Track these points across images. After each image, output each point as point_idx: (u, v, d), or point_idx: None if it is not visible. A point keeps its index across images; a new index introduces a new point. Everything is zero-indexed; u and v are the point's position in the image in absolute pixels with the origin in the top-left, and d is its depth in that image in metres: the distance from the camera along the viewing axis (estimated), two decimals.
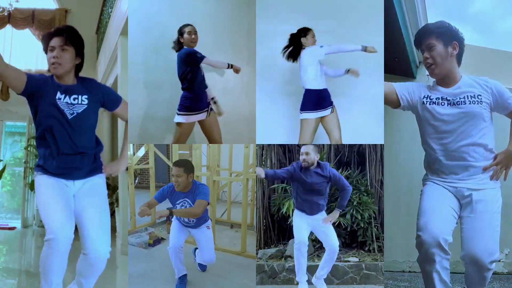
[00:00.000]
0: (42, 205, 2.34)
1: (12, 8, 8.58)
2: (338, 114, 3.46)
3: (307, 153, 3.08)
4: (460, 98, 2.38)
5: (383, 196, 3.99)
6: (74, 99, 2.40)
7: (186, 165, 3.23)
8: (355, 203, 3.81)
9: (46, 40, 2.40)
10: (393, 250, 5.20)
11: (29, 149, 8.31)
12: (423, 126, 2.50)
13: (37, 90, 2.35)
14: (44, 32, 9.24)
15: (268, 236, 3.97)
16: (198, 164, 4.29)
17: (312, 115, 3.41)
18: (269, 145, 3.99)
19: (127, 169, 2.67)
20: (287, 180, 3.26)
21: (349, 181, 3.92)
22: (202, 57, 3.36)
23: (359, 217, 3.79)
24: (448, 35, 2.39)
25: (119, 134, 5.63)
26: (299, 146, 3.93)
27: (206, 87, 3.45)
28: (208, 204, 3.23)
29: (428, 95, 2.45)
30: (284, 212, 3.78)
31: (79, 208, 2.39)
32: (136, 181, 6.56)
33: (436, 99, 2.42)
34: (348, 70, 3.43)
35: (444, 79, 2.43)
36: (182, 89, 3.38)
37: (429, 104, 2.42)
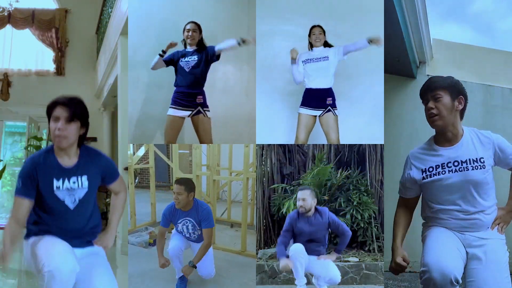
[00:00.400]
0: (34, 248, 2.18)
1: (12, 8, 8.58)
2: (338, 113, 3.45)
3: (303, 199, 3.07)
4: (461, 163, 2.28)
5: (383, 196, 3.99)
6: (74, 182, 2.26)
7: (187, 184, 3.25)
8: (355, 203, 3.81)
9: (50, 109, 2.25)
10: None
11: (29, 149, 8.31)
12: (425, 197, 2.42)
13: (36, 184, 2.22)
14: (44, 32, 9.29)
15: (268, 236, 3.97)
16: (198, 163, 4.29)
17: (304, 111, 3.47)
18: (269, 145, 3.99)
19: (126, 169, 2.65)
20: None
21: (349, 181, 3.92)
22: (160, 55, 3.43)
23: (359, 217, 3.79)
24: (456, 89, 2.31)
25: (119, 134, 5.63)
26: (299, 146, 3.93)
27: (194, 87, 3.43)
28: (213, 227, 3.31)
29: (425, 168, 2.35)
30: (284, 212, 3.78)
31: (83, 268, 2.18)
32: (136, 180, 6.55)
33: (436, 167, 2.32)
34: (371, 41, 3.33)
35: (446, 134, 2.33)
36: None
37: (430, 177, 2.33)
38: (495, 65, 5.53)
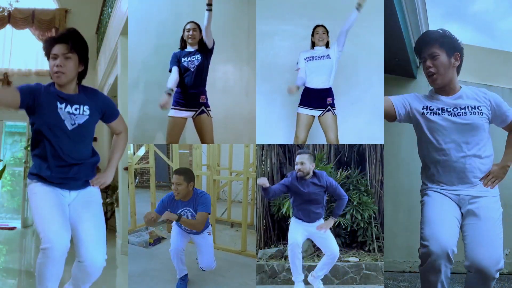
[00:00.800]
0: (38, 213, 2.29)
1: (12, 8, 8.58)
2: (338, 113, 3.45)
3: (302, 163, 3.05)
4: (460, 109, 2.37)
5: (383, 196, 3.99)
6: (75, 109, 2.35)
7: (186, 174, 3.23)
8: (355, 203, 3.81)
9: (48, 46, 2.33)
10: (393, 250, 5.20)
11: (29, 149, 8.31)
12: (422, 137, 2.47)
13: (35, 100, 2.28)
14: (44, 32, 9.28)
15: (268, 236, 3.97)
16: (198, 163, 4.29)
17: (303, 111, 3.46)
18: (269, 145, 3.99)
19: (126, 169, 2.64)
20: (285, 193, 3.27)
21: (349, 181, 3.92)
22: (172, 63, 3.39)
23: (359, 217, 3.79)
24: (452, 45, 2.38)
25: None
26: (299, 146, 3.93)
27: (198, 86, 3.41)
28: (209, 214, 3.25)
29: (427, 106, 2.44)
30: (284, 212, 3.79)
31: (75, 217, 2.34)
32: (137, 180, 6.56)
33: (436, 109, 2.41)
34: (359, 4, 3.34)
35: (444, 88, 2.43)
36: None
37: (430, 114, 2.41)
38: (495, 65, 5.54)
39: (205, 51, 3.45)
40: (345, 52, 3.47)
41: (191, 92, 3.41)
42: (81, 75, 2.42)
